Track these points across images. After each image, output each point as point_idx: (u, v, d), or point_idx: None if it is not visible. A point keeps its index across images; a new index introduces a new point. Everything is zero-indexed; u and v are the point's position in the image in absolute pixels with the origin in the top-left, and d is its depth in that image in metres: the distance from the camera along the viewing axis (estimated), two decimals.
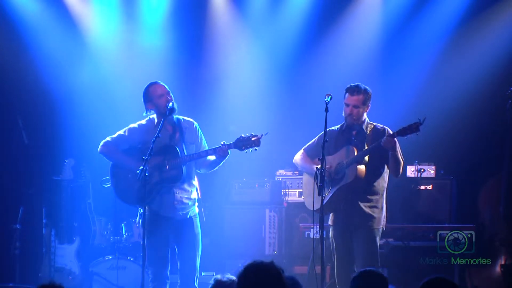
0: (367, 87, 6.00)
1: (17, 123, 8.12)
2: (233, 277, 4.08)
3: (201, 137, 6.20)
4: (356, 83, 6.00)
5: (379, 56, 8.58)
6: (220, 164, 6.12)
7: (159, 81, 6.20)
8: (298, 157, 6.27)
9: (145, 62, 8.57)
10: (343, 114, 6.05)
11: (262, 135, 5.91)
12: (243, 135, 5.93)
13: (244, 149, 5.92)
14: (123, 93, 8.43)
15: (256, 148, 5.92)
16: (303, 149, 6.26)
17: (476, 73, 8.26)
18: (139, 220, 6.18)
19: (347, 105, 5.98)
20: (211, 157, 6.08)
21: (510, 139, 7.58)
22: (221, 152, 5.93)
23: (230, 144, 5.92)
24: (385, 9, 8.60)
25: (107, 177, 6.26)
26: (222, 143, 5.94)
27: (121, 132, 6.19)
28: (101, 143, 6.17)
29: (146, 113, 6.16)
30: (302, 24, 8.68)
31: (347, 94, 5.99)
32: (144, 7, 8.72)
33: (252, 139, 5.90)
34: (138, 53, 8.65)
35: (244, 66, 8.80)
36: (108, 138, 6.17)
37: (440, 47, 8.45)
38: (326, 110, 5.71)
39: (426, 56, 8.47)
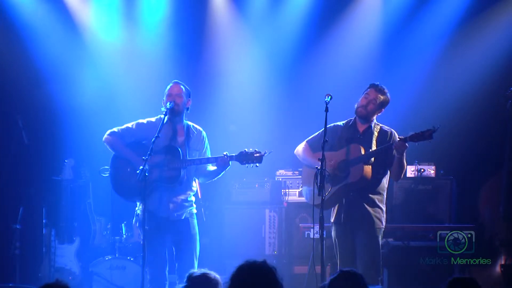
0: (389, 94, 6.05)
1: (17, 123, 8.11)
2: (208, 272, 4.08)
3: (206, 147, 6.19)
4: (383, 85, 6.06)
5: (379, 56, 8.58)
6: (220, 175, 6.12)
7: (177, 81, 6.18)
8: (300, 148, 6.26)
9: (145, 62, 8.58)
10: (356, 105, 6.06)
11: (265, 153, 5.94)
12: (246, 150, 5.95)
13: (245, 163, 5.96)
14: (123, 93, 8.44)
15: (257, 164, 5.95)
16: (306, 141, 6.26)
17: (476, 73, 8.27)
18: (135, 221, 6.19)
19: (366, 97, 6.02)
20: (211, 167, 6.09)
21: (510, 139, 7.58)
22: (222, 162, 5.95)
23: (232, 156, 5.95)
24: (385, 9, 8.60)
25: (107, 167, 6.26)
26: (224, 153, 5.95)
27: (129, 125, 6.19)
28: (108, 132, 6.16)
29: (163, 108, 6.14)
30: (302, 24, 8.68)
31: (370, 89, 6.04)
32: (144, 8, 8.72)
33: (255, 155, 5.93)
34: (138, 53, 8.66)
35: (244, 66, 8.80)
36: (115, 129, 6.17)
37: (440, 47, 8.45)
38: (326, 110, 5.72)
39: (426, 56, 8.48)
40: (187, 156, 6.06)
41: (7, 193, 8.23)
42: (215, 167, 6.08)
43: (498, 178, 7.71)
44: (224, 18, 8.82)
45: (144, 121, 6.20)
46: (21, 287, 7.78)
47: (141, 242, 5.86)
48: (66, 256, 7.97)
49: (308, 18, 8.65)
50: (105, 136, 6.16)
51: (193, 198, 6.18)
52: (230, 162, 5.96)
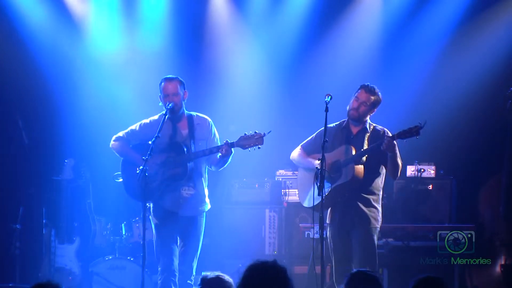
0: (380, 93, 6.02)
1: (17, 123, 8.11)
2: (221, 275, 4.11)
3: (214, 134, 6.19)
4: (373, 85, 6.02)
5: (379, 56, 8.58)
6: (228, 162, 6.11)
7: (169, 78, 6.15)
8: (295, 153, 6.28)
9: (145, 62, 8.57)
10: (348, 107, 6.05)
11: (265, 134, 5.92)
12: (246, 133, 5.94)
13: (247, 147, 5.94)
14: (123, 93, 8.44)
15: (259, 146, 5.93)
16: (301, 146, 6.28)
17: (476, 73, 8.27)
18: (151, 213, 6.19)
19: (357, 100, 6.00)
20: (219, 155, 6.08)
21: (510, 139, 7.58)
22: (224, 151, 5.94)
23: (233, 142, 5.94)
24: (385, 9, 8.60)
25: (119, 172, 6.26)
26: (225, 141, 5.95)
27: (132, 127, 6.20)
28: (113, 137, 6.19)
29: (161, 103, 6.15)
30: (302, 24, 8.68)
31: (361, 90, 6.02)
32: (144, 8, 8.72)
33: (255, 137, 5.92)
34: (138, 53, 8.65)
35: (244, 66, 8.80)
36: (120, 134, 6.19)
37: (440, 47, 8.46)
38: (326, 110, 5.72)
39: (426, 56, 8.48)
40: (193, 148, 6.06)
41: (7, 193, 8.23)
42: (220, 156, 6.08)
43: (498, 178, 7.71)
44: (224, 18, 8.82)
45: (147, 120, 6.20)
46: (21, 287, 7.78)
47: (141, 242, 5.86)
48: (66, 256, 7.96)
49: (308, 18, 8.65)
50: (112, 142, 6.19)
51: (206, 191, 6.17)
52: (232, 149, 5.95)
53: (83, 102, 8.41)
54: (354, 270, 4.18)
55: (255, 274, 3.47)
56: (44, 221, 8.02)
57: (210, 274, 4.13)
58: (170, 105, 5.99)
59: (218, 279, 4.05)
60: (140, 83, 8.28)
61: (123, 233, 7.86)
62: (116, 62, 8.57)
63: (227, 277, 4.09)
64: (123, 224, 7.89)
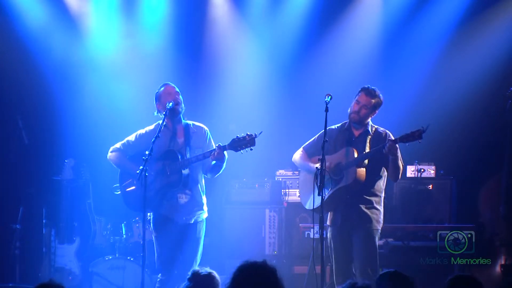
0: (381, 95, 6.01)
1: (17, 123, 8.11)
2: (212, 271, 4.14)
3: (209, 142, 6.17)
4: (373, 87, 6.01)
5: (379, 56, 8.58)
6: (223, 168, 6.09)
7: (170, 83, 6.18)
8: (297, 155, 6.27)
9: (145, 62, 8.58)
10: (349, 110, 6.05)
11: (256, 135, 5.89)
12: (238, 136, 5.91)
13: (240, 150, 5.90)
14: (123, 93, 8.44)
15: (251, 148, 5.90)
16: (302, 148, 6.26)
17: (476, 73, 8.27)
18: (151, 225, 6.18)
19: (358, 103, 5.99)
20: (214, 161, 6.07)
21: (510, 139, 7.59)
22: (218, 155, 5.92)
23: (225, 145, 5.91)
24: (385, 9, 8.61)
25: (117, 184, 6.25)
26: (217, 145, 5.94)
27: (129, 138, 6.20)
28: (110, 149, 6.20)
29: (156, 113, 6.15)
30: (302, 24, 8.68)
31: (362, 93, 6.00)
32: (144, 9, 8.73)
33: (247, 138, 5.88)
34: (138, 53, 8.65)
35: (244, 66, 8.81)
36: (117, 145, 6.20)
37: (441, 47, 8.46)
38: (326, 110, 5.71)
39: (426, 56, 8.48)
40: (188, 156, 6.04)
41: (7, 193, 8.23)
42: (214, 161, 6.06)
43: (498, 178, 7.71)
44: (224, 19, 8.82)
45: (143, 131, 6.20)
46: (21, 287, 7.78)
47: (141, 242, 5.86)
48: (66, 256, 7.97)
49: (308, 18, 8.66)
50: (109, 153, 6.20)
51: (204, 199, 6.17)
52: (225, 152, 5.93)
53: (83, 102, 8.42)
54: (384, 270, 4.21)
55: (244, 274, 3.47)
56: (44, 221, 8.03)
57: (201, 270, 4.15)
58: (170, 104, 5.98)
59: (209, 276, 4.08)
60: (140, 83, 8.29)
61: (123, 233, 7.86)
62: (116, 62, 8.57)
63: (217, 275, 4.13)
64: (123, 224, 7.89)
